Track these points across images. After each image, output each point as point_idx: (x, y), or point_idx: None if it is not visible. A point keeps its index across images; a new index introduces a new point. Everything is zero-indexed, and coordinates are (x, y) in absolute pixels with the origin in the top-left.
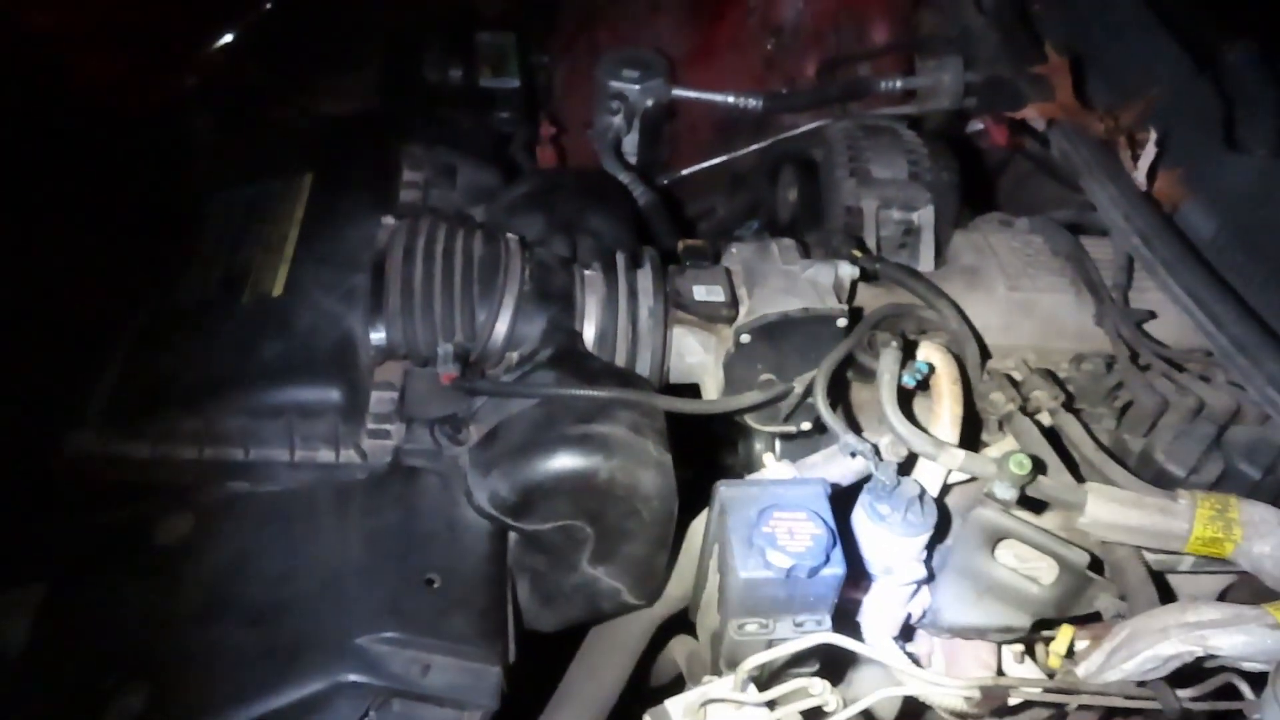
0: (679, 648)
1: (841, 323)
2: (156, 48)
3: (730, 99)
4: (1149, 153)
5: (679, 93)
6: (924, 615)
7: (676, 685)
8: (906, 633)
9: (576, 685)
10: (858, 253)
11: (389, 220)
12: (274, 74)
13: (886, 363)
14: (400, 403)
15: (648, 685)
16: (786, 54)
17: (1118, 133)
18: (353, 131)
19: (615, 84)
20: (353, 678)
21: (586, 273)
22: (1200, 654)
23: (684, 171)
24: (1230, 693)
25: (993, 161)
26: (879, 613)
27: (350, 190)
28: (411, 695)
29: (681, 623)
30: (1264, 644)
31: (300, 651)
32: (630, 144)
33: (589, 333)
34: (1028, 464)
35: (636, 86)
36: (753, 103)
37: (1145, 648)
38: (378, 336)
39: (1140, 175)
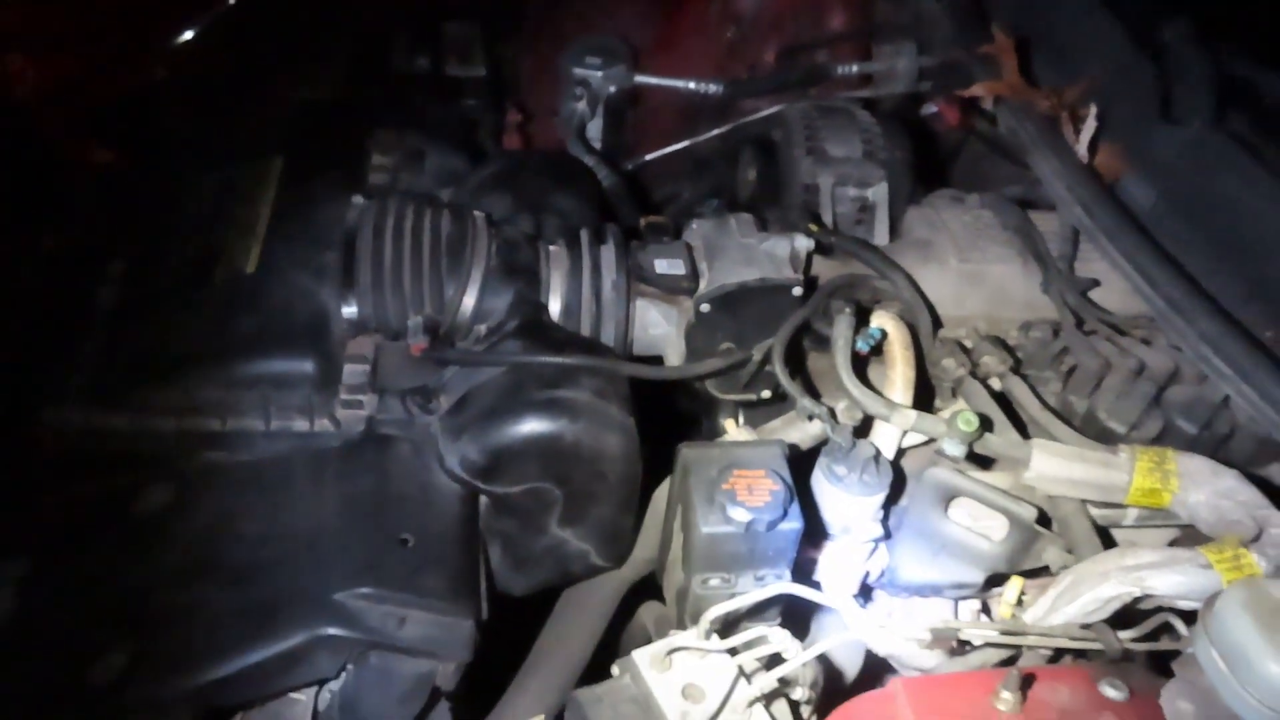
0: (647, 613)
1: (797, 291)
2: (125, 40)
3: (692, 85)
4: (1089, 127)
5: (641, 79)
6: (882, 575)
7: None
8: (867, 594)
9: (548, 648)
10: (814, 226)
11: (358, 199)
12: (243, 65)
13: (841, 328)
14: (372, 374)
15: (618, 650)
16: (747, 42)
17: (1061, 109)
18: (321, 117)
19: (579, 71)
20: (331, 631)
21: (551, 248)
22: (1138, 594)
23: (648, 157)
24: (1167, 632)
25: (948, 144)
26: (838, 571)
27: (320, 172)
28: (388, 647)
29: (649, 590)
30: (1197, 583)
31: (280, 608)
32: (595, 129)
33: (554, 306)
34: (975, 421)
35: (600, 73)
36: (714, 88)
37: (1087, 591)
38: (349, 310)
39: (1082, 149)
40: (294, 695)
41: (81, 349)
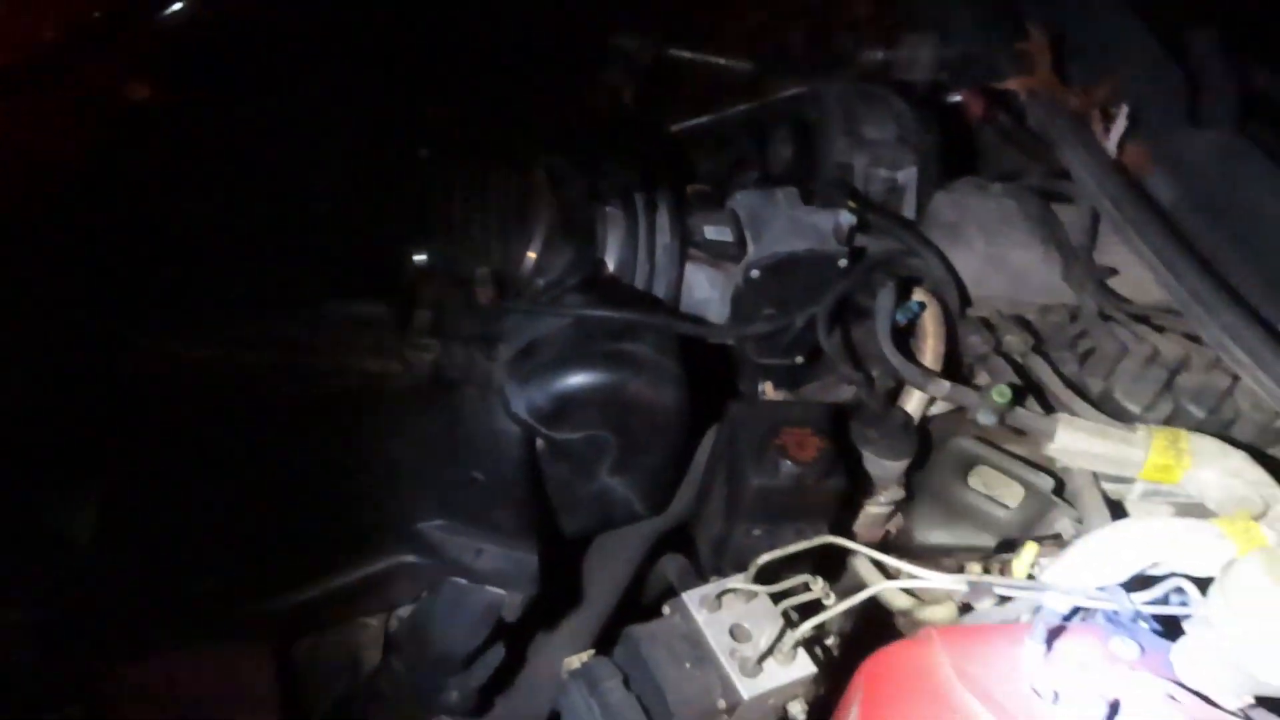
0: (669, 565)
1: (842, 263)
2: None
3: (722, 61)
4: (1120, 125)
5: (675, 52)
6: (896, 536)
7: (665, 598)
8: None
9: (583, 590)
10: (853, 203)
11: (425, 151)
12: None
13: (883, 300)
14: (438, 321)
15: (641, 599)
16: (776, 22)
17: (1091, 106)
18: (382, 71)
19: (616, 40)
20: (412, 558)
21: (608, 209)
22: (1155, 560)
23: (674, 128)
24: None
25: (965, 133)
26: (862, 530)
27: (387, 124)
28: (464, 576)
29: (668, 544)
30: (1212, 552)
31: (364, 536)
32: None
33: (610, 264)
34: (1008, 393)
35: (636, 43)
36: (743, 66)
37: (1107, 554)
38: (420, 257)
39: (1111, 145)
40: (365, 620)
41: (166, 279)
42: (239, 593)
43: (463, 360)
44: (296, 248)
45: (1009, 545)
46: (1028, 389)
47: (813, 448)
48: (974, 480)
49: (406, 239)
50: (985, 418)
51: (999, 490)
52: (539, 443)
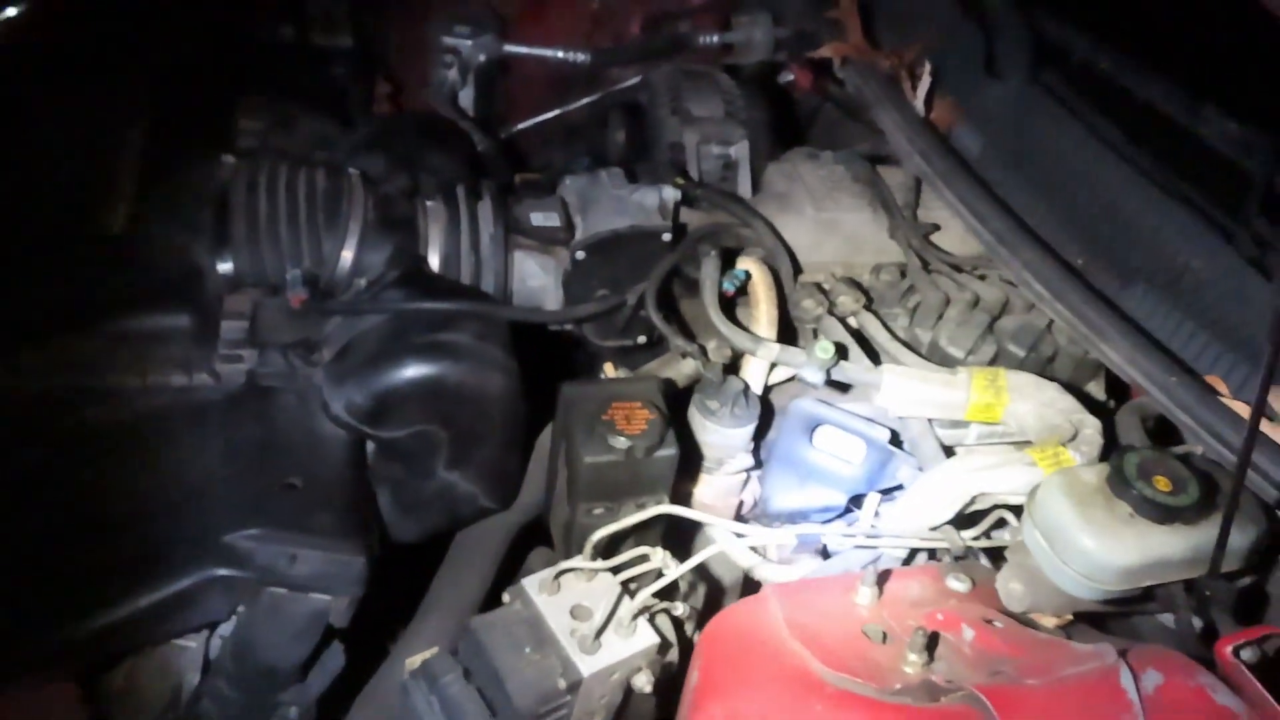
0: (537, 559)
1: (666, 238)
2: None
3: (560, 54)
4: (924, 83)
5: (510, 48)
6: (755, 505)
7: None
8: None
9: (442, 590)
10: (680, 180)
11: (229, 159)
12: (100, 31)
13: (708, 269)
14: (252, 330)
15: None
16: (612, 13)
17: (901, 68)
18: (184, 81)
19: (448, 39)
20: (222, 572)
21: (429, 203)
22: (974, 494)
23: (520, 125)
24: (1003, 528)
25: (805, 110)
26: (714, 501)
27: (187, 134)
28: (279, 584)
29: (539, 538)
30: (1023, 479)
31: (168, 552)
32: (466, 99)
33: (434, 259)
34: (830, 349)
35: (469, 42)
36: (581, 57)
37: (932, 494)
38: (225, 266)
39: (919, 103)
40: (183, 643)
41: None
42: (31, 624)
43: (281, 367)
44: (92, 264)
45: (861, 502)
46: (861, 346)
47: (641, 420)
48: (819, 440)
49: (211, 249)
50: (812, 375)
51: (842, 448)
52: (370, 445)
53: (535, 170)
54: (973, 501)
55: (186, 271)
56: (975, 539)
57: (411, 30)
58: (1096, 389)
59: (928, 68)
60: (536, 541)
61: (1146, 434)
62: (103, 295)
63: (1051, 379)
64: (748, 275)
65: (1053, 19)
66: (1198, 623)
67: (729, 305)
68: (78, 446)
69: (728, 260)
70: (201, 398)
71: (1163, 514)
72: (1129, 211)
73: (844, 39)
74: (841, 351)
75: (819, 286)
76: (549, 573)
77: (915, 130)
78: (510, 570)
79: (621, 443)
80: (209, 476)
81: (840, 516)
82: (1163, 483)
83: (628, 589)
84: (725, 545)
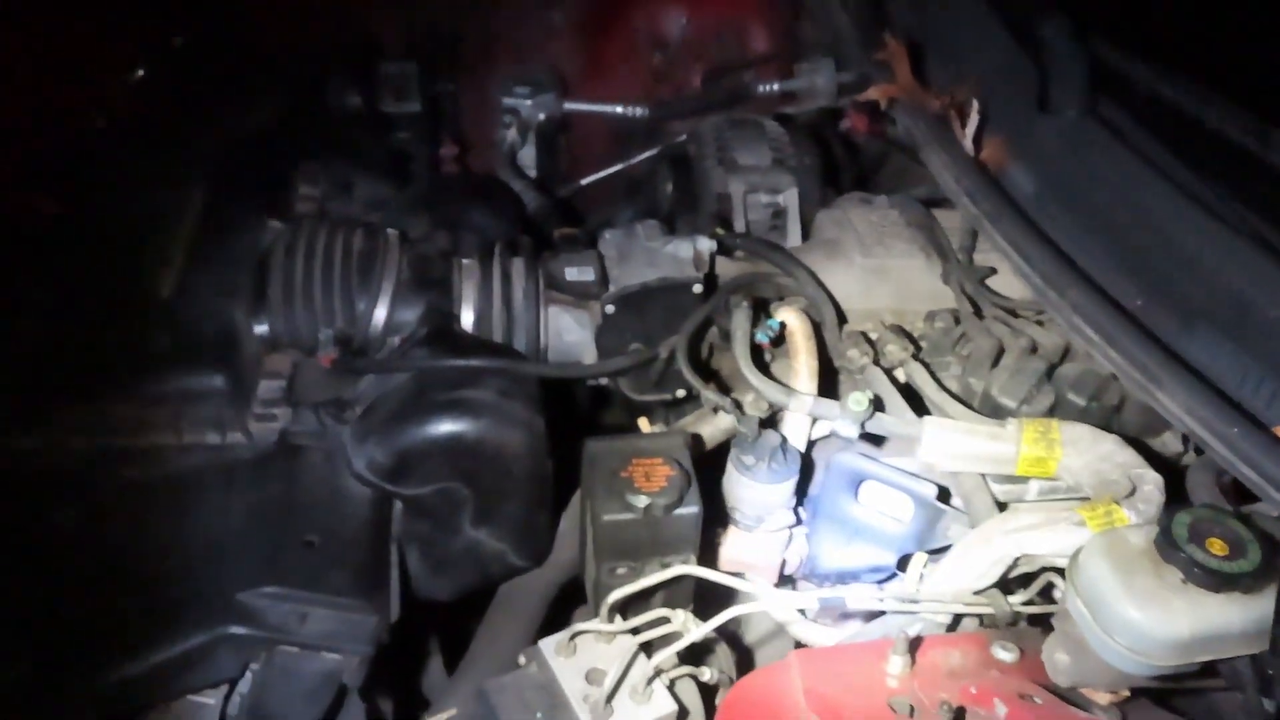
0: (580, 617)
1: (697, 289)
2: (67, 86)
3: (619, 109)
4: (973, 121)
5: (570, 106)
6: (802, 564)
7: None
8: (790, 584)
9: (480, 650)
10: (720, 230)
11: (275, 224)
12: (181, 105)
13: (738, 320)
14: (289, 390)
15: None
16: (673, 66)
17: (950, 107)
18: (247, 150)
19: (508, 100)
20: (233, 630)
21: (465, 262)
22: (1017, 555)
23: (582, 181)
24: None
25: (870, 155)
26: (755, 559)
27: (242, 202)
28: (290, 643)
29: (584, 596)
30: (1071, 540)
31: (182, 610)
32: (527, 157)
33: (467, 317)
34: (864, 400)
35: (529, 101)
36: (639, 111)
37: (973, 556)
38: (260, 328)
39: (968, 142)
40: (200, 699)
41: None
42: (48, 677)
43: (313, 426)
44: (138, 326)
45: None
46: (908, 397)
47: (662, 477)
48: (865, 497)
49: (248, 311)
50: (846, 429)
51: (889, 505)
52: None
53: (597, 227)
54: (1016, 564)
55: (225, 333)
56: (1024, 604)
57: (477, 92)
58: (1173, 440)
59: (975, 105)
60: (582, 600)
61: (1222, 492)
62: (144, 357)
63: (1120, 430)
64: (782, 325)
65: (1112, 46)
66: (1269, 705)
67: (760, 356)
68: (111, 505)
69: (762, 310)
70: (233, 456)
71: (1218, 581)
72: (1191, 248)
73: (893, 80)
74: (878, 404)
75: (865, 336)
76: (565, 634)
77: (963, 170)
78: (553, 629)
79: (640, 501)
80: (231, 534)
81: (892, 577)
82: (1217, 545)
83: (647, 652)
84: (749, 607)
